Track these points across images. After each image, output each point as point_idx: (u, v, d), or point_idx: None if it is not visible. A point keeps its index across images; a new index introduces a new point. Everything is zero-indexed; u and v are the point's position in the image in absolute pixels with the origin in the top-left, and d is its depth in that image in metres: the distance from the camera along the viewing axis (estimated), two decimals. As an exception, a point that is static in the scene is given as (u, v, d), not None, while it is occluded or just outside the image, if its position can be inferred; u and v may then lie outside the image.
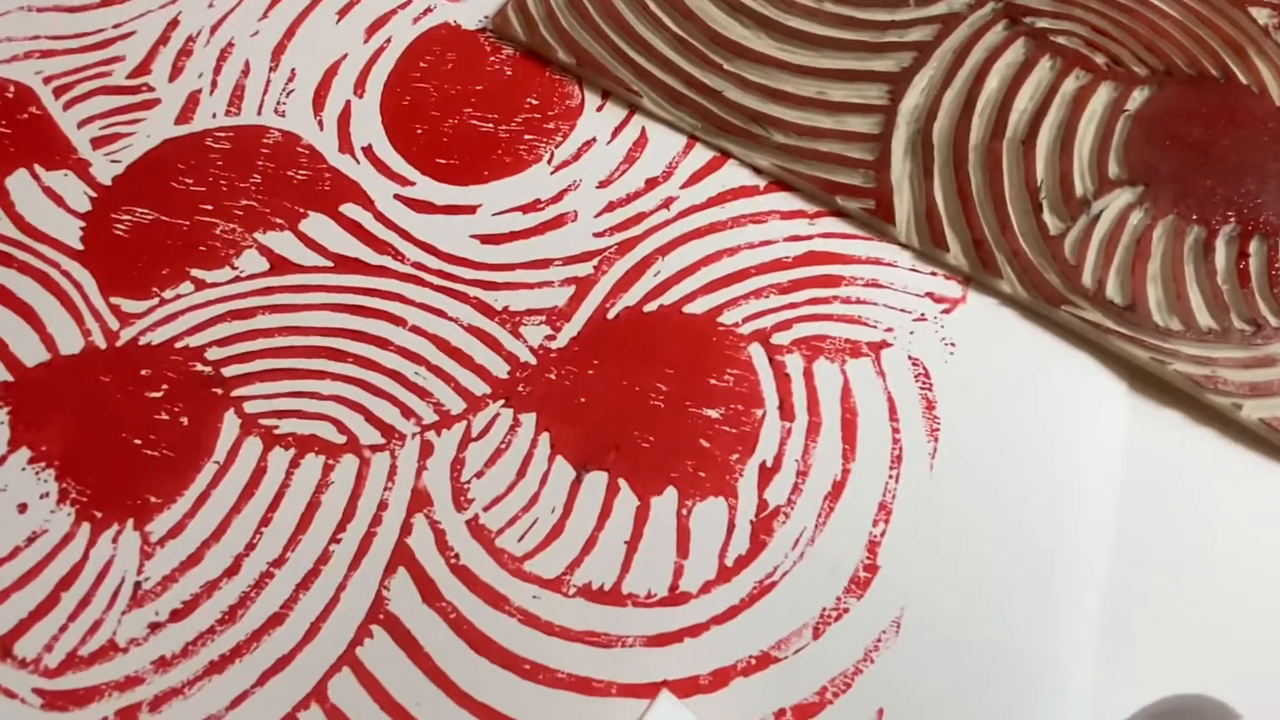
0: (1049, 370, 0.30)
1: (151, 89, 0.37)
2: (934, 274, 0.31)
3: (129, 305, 0.33)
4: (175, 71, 0.37)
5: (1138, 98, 0.33)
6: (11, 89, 0.37)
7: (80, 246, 0.34)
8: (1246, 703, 0.21)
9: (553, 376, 0.31)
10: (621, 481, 0.29)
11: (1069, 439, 0.29)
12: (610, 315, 0.32)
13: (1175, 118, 0.32)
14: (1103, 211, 0.31)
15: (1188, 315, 0.29)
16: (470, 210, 0.34)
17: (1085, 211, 0.31)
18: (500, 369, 0.31)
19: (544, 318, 0.32)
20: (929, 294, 0.31)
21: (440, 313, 0.32)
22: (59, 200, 0.35)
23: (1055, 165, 0.32)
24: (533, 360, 0.31)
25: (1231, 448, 0.28)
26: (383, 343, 0.32)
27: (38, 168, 0.35)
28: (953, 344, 0.30)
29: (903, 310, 0.31)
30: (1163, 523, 0.28)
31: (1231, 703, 0.21)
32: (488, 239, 0.33)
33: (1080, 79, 0.33)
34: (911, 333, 0.31)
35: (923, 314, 0.31)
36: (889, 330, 0.31)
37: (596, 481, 0.29)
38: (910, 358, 0.30)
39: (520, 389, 0.31)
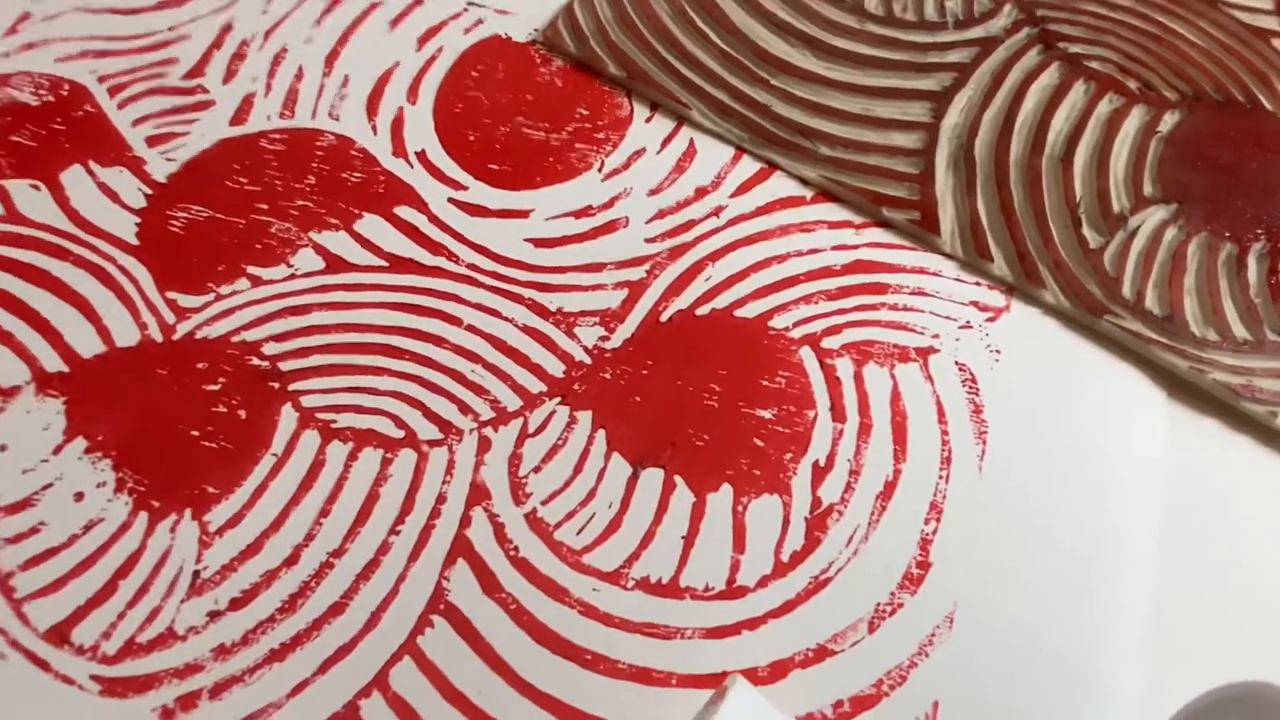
0: (1091, 378, 0.31)
1: (206, 90, 0.37)
2: (978, 284, 0.33)
3: (185, 300, 0.33)
4: (229, 75, 0.38)
5: (1169, 121, 0.34)
6: (66, 87, 0.38)
7: (136, 242, 0.34)
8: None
9: (607, 376, 0.31)
10: (677, 478, 0.30)
11: (1111, 444, 0.30)
12: (663, 318, 0.32)
13: (1205, 140, 0.34)
14: (1139, 227, 0.32)
15: (1223, 327, 0.30)
16: (523, 215, 0.35)
17: (1122, 227, 0.32)
18: (556, 368, 0.32)
19: (598, 319, 0.32)
20: (974, 303, 0.32)
21: (495, 313, 0.33)
22: (114, 196, 0.35)
23: (1092, 182, 0.33)
24: (587, 360, 0.32)
25: (1267, 454, 0.29)
26: (439, 341, 0.32)
27: (92, 164, 0.36)
28: (998, 351, 0.31)
29: (949, 318, 0.32)
30: (1202, 526, 0.29)
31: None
32: (541, 242, 0.34)
33: (1114, 102, 0.35)
34: (958, 339, 0.32)
35: (968, 321, 0.32)
36: (935, 337, 0.32)
37: (653, 478, 0.30)
38: (957, 363, 0.31)
39: (576, 387, 0.31)
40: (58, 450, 0.31)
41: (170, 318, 0.33)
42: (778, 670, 0.27)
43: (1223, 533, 0.28)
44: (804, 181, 0.35)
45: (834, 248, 0.33)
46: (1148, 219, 0.32)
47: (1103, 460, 0.30)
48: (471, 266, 0.34)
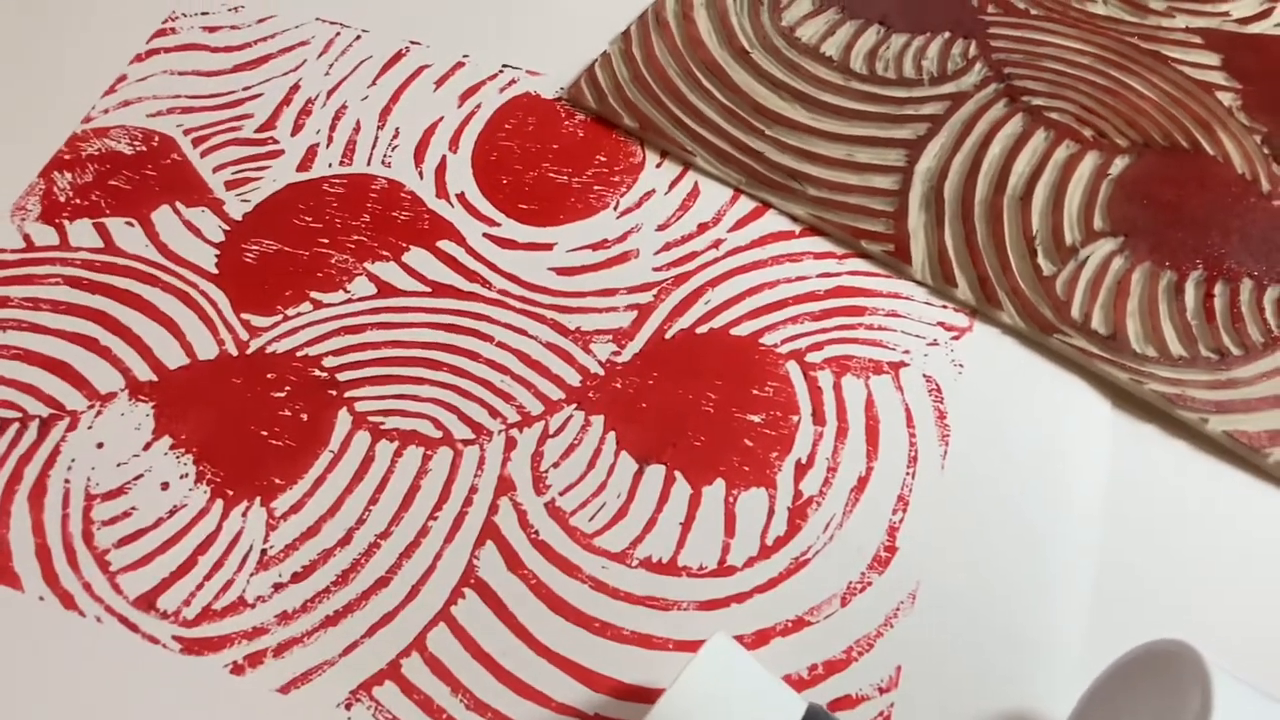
0: (1043, 388, 0.34)
1: (276, 142, 0.42)
2: (945, 306, 0.37)
3: (257, 320, 0.38)
4: (296, 128, 0.43)
5: (1119, 164, 0.38)
6: (157, 138, 0.43)
7: (215, 271, 0.39)
8: (1208, 649, 0.25)
9: (618, 385, 0.36)
10: (677, 473, 0.34)
11: (1060, 447, 0.33)
12: (668, 336, 0.37)
13: (1151, 181, 0.38)
14: (1089, 257, 0.36)
15: (1161, 344, 0.34)
16: (548, 247, 0.39)
17: (1074, 257, 0.36)
18: (573, 378, 0.36)
19: (611, 337, 0.37)
20: (940, 323, 0.36)
21: (522, 331, 0.37)
22: (197, 232, 0.40)
23: (1048, 218, 0.37)
24: (601, 372, 0.36)
25: (1199, 455, 0.33)
26: (473, 355, 0.37)
27: (178, 204, 0.41)
28: (961, 365, 0.35)
29: (918, 336, 0.36)
30: (1141, 517, 0.32)
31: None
32: (563, 271, 0.39)
33: (1070, 148, 0.39)
34: (926, 355, 0.36)
35: (935, 339, 0.36)
36: (906, 352, 0.36)
37: (656, 473, 0.34)
38: (925, 375, 0.35)
39: (590, 395, 0.36)
40: (147, 447, 0.35)
41: (244, 335, 0.38)
42: (761, 638, 0.31)
43: (1158, 521, 0.32)
44: (793, 218, 0.39)
45: (818, 275, 0.38)
46: (1096, 250, 0.36)
47: (1052, 460, 0.33)
48: (502, 292, 0.38)
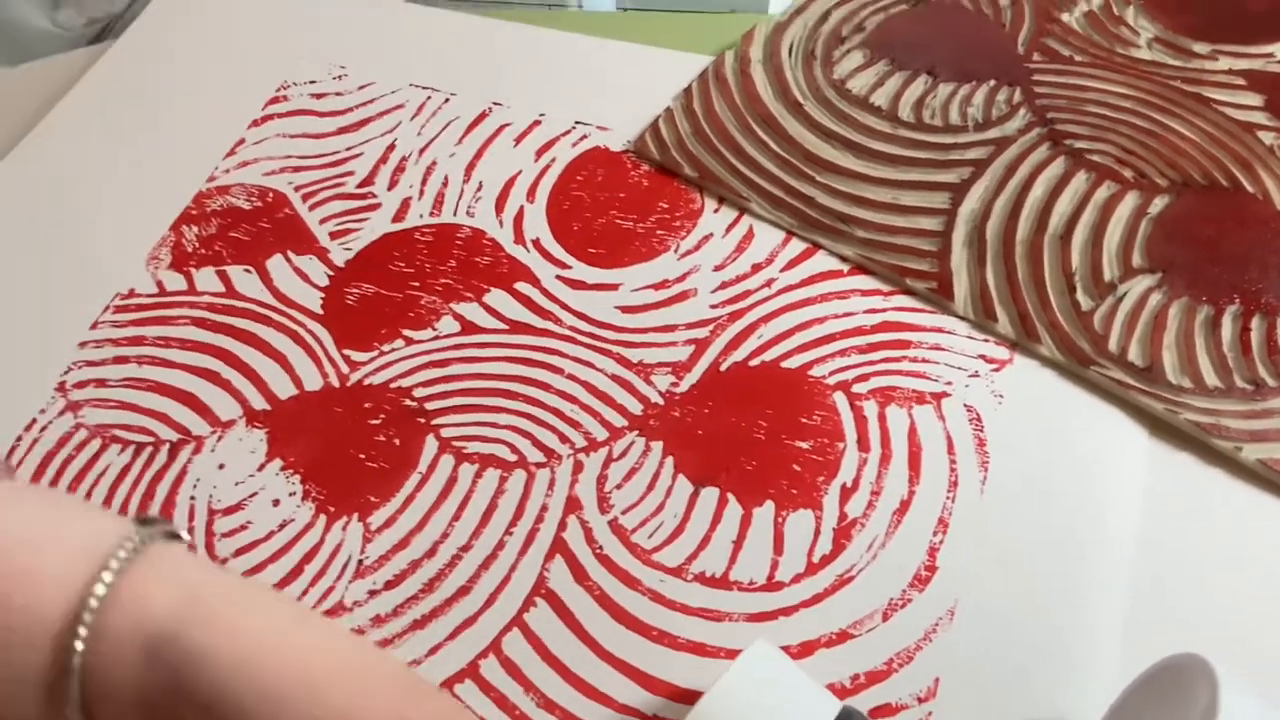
0: (1081, 419, 0.36)
1: (375, 196, 0.47)
2: (986, 340, 0.38)
3: (356, 355, 0.42)
4: (392, 183, 0.47)
5: (1159, 204, 0.40)
6: (271, 195, 0.48)
7: (321, 311, 0.43)
8: (1235, 666, 0.26)
9: (677, 414, 0.39)
10: (730, 495, 0.36)
11: (1097, 474, 0.35)
12: (723, 368, 0.40)
13: (1190, 219, 0.39)
14: (1127, 293, 0.38)
15: (1197, 376, 0.36)
16: (614, 288, 0.42)
17: (1112, 293, 0.38)
18: (635, 407, 0.39)
19: (670, 369, 0.40)
20: (981, 356, 0.38)
21: (589, 364, 0.41)
22: (305, 277, 0.44)
23: (1088, 256, 0.39)
24: (661, 401, 0.39)
25: (1234, 484, 0.34)
26: (545, 386, 0.40)
27: (290, 253, 0.45)
28: (1001, 395, 0.37)
29: (960, 368, 0.38)
30: (1176, 543, 0.33)
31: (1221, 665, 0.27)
32: (627, 309, 0.42)
33: (1110, 189, 0.41)
34: (967, 386, 0.38)
35: (976, 371, 0.38)
36: (948, 384, 0.38)
37: (710, 495, 0.36)
38: (966, 405, 0.37)
39: (651, 423, 0.39)
40: (261, 468, 0.39)
41: (345, 369, 0.42)
42: (806, 649, 0.33)
43: (1191, 544, 0.33)
44: (842, 258, 0.41)
45: (865, 311, 0.40)
46: (1135, 286, 0.38)
47: (1088, 486, 0.35)
48: (572, 328, 0.42)
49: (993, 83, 0.45)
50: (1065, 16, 0.48)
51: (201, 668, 0.19)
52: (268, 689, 0.19)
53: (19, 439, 0.40)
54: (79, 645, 0.19)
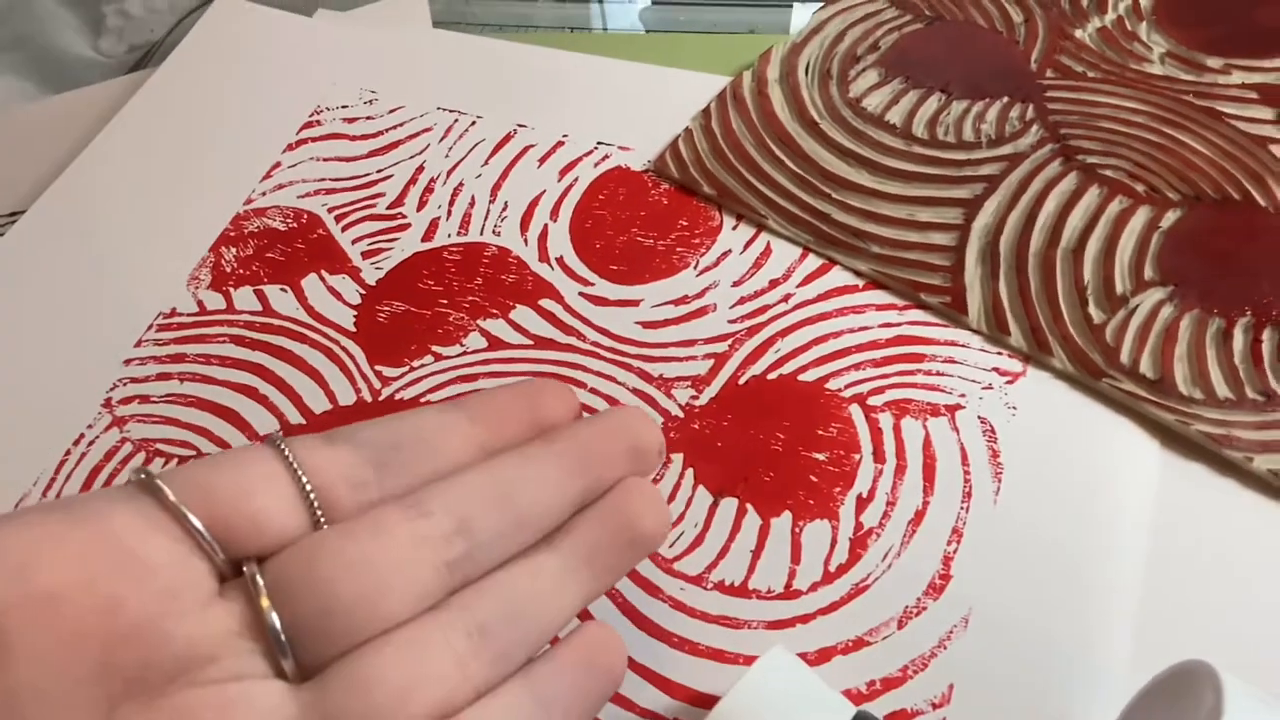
0: (1093, 429, 0.37)
1: (404, 216, 0.49)
2: (999, 353, 0.39)
3: (388, 371, 0.44)
4: (421, 204, 0.49)
5: (1170, 217, 0.41)
6: (305, 216, 0.50)
7: (353, 329, 0.45)
8: (1247, 673, 0.27)
9: (696, 427, 0.40)
10: (748, 506, 0.38)
11: (1109, 484, 0.36)
12: (741, 382, 0.41)
13: (1202, 233, 0.40)
14: (1138, 306, 0.38)
15: (1208, 387, 0.36)
16: (635, 304, 0.44)
17: (1124, 306, 0.39)
18: (656, 420, 0.41)
19: (690, 383, 0.41)
20: (995, 369, 0.39)
21: (612, 379, 0.42)
22: (339, 296, 0.46)
23: (1100, 269, 0.40)
24: (681, 414, 0.40)
25: (1246, 492, 0.34)
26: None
27: (323, 272, 0.47)
28: (1014, 407, 0.38)
29: (973, 381, 0.39)
30: (1187, 552, 0.34)
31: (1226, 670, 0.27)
32: (648, 324, 0.43)
33: (1123, 203, 0.41)
34: (980, 398, 0.39)
35: (990, 384, 0.39)
36: (962, 396, 0.39)
37: (729, 505, 0.38)
38: (979, 417, 0.38)
39: (671, 435, 0.40)
40: None
41: (377, 384, 0.44)
42: (823, 655, 0.34)
43: (1203, 552, 0.34)
44: (857, 273, 0.42)
45: (880, 325, 0.41)
46: (1146, 299, 0.39)
47: (1101, 496, 0.35)
48: (595, 344, 0.43)
49: (1006, 99, 0.46)
50: (1078, 33, 0.49)
51: None
52: None
53: (68, 453, 0.42)
54: None
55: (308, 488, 0.23)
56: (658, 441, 0.28)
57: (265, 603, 0.21)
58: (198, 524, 0.21)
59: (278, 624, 0.21)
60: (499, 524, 0.24)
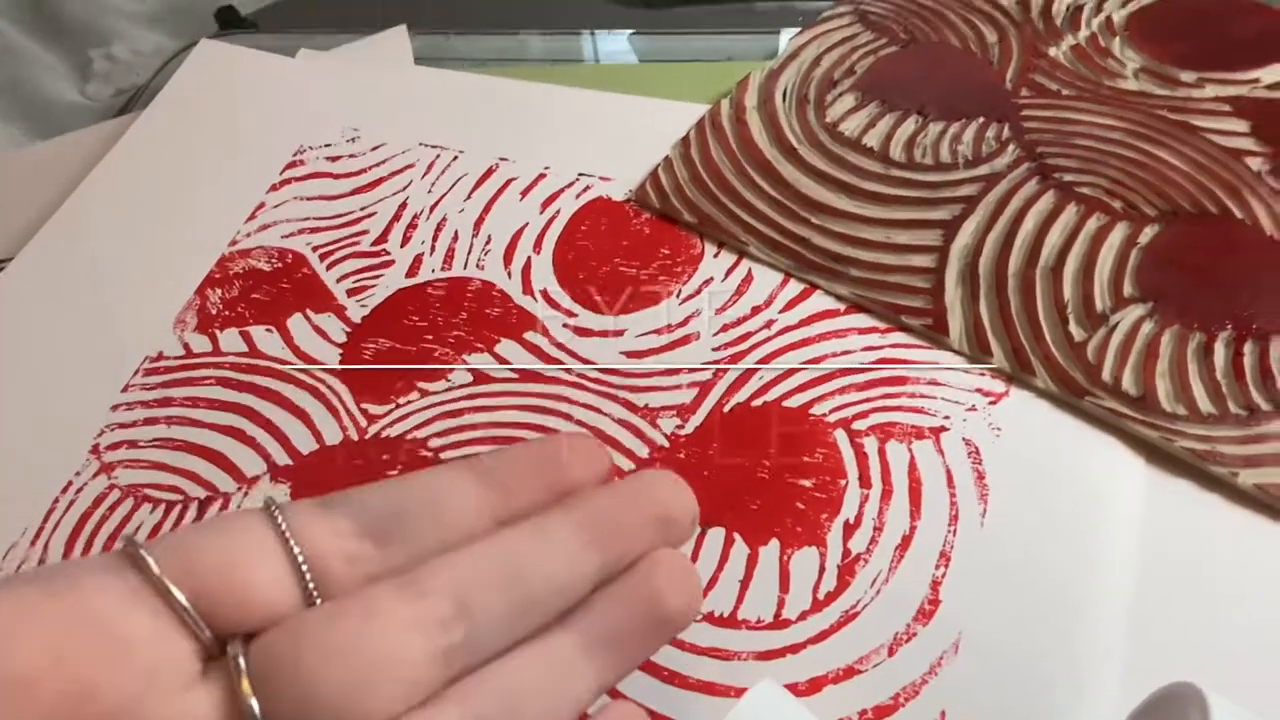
0: (1078, 449, 0.37)
1: (388, 253, 0.49)
2: (982, 374, 0.39)
3: (374, 409, 0.44)
4: (405, 240, 0.49)
5: (1148, 233, 0.41)
6: (290, 256, 0.50)
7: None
8: (1230, 691, 0.27)
9: (682, 456, 0.40)
10: (735, 535, 0.37)
11: (1095, 503, 0.35)
12: (726, 409, 0.41)
13: (1180, 248, 0.40)
14: (1119, 323, 0.39)
15: (1191, 403, 0.36)
16: (619, 334, 0.43)
17: (1104, 323, 0.39)
18: (642, 450, 0.40)
19: (675, 412, 0.41)
20: (978, 389, 0.39)
21: (597, 410, 0.42)
22: (324, 334, 0.46)
23: (1079, 287, 0.40)
24: (666, 444, 0.40)
25: (1232, 508, 0.34)
26: (553, 432, 0.42)
27: (308, 311, 0.47)
28: (999, 428, 0.38)
29: (957, 402, 0.39)
30: (1175, 569, 0.34)
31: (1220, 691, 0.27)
32: (632, 354, 0.43)
33: (1100, 220, 0.42)
34: (964, 420, 0.38)
35: (973, 405, 0.39)
36: (946, 418, 0.39)
37: (716, 535, 0.37)
38: (964, 439, 0.38)
39: (657, 465, 0.40)
40: None
41: (363, 422, 0.43)
42: (814, 685, 0.34)
43: (1191, 570, 0.33)
44: (838, 298, 0.42)
45: (863, 349, 0.41)
46: (1126, 316, 0.39)
47: (1087, 515, 0.35)
48: (580, 375, 0.43)
49: (981, 119, 0.46)
50: (1052, 51, 0.50)
51: None
52: None
53: (56, 501, 0.42)
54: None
55: (300, 560, 0.21)
56: (690, 509, 0.26)
57: (246, 689, 0.20)
58: (182, 599, 0.20)
59: (257, 712, 0.19)
60: (505, 605, 0.22)
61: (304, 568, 0.21)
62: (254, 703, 0.19)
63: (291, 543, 0.21)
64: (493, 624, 0.21)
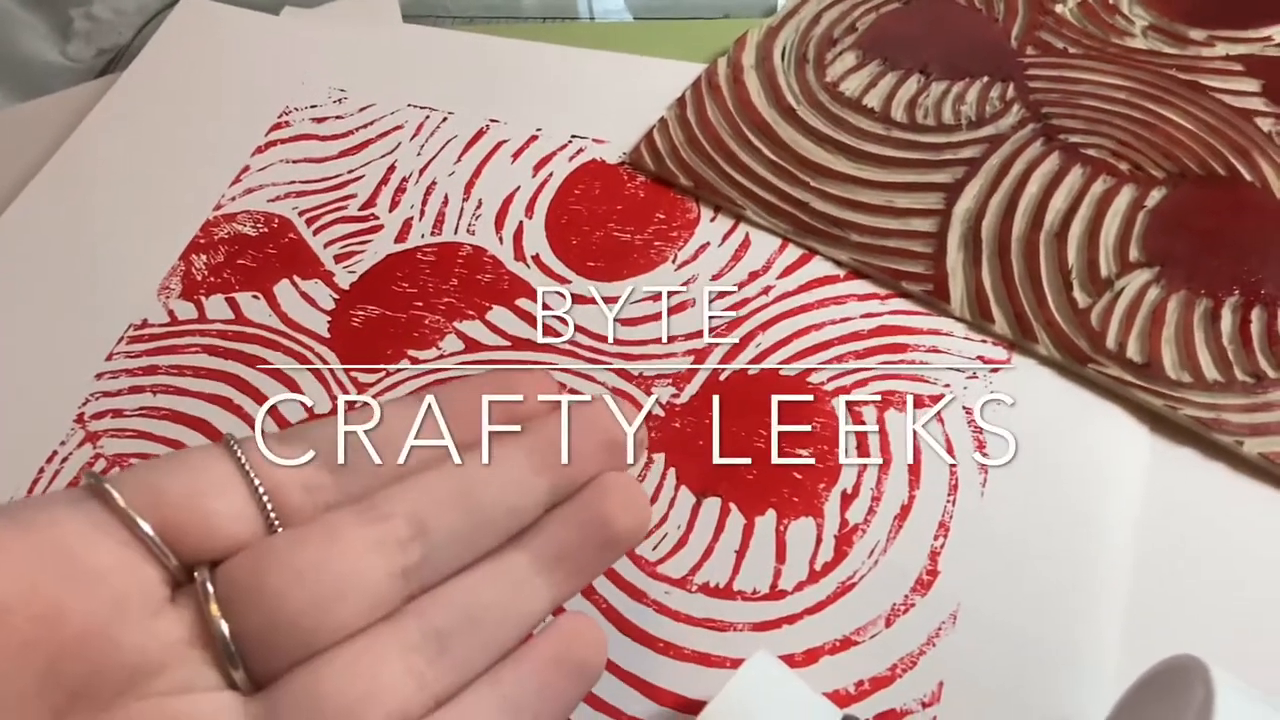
0: (1081, 417, 0.36)
1: (376, 218, 0.48)
2: (983, 341, 0.39)
3: (363, 377, 0.43)
4: (393, 204, 0.48)
5: (1155, 196, 0.40)
6: (276, 220, 0.49)
7: (327, 334, 0.44)
8: (1233, 664, 0.26)
9: (678, 425, 0.39)
10: (732, 505, 0.37)
11: (1098, 473, 0.35)
12: (722, 378, 0.40)
13: (1187, 211, 0.39)
14: (1124, 289, 0.38)
15: (1197, 370, 0.35)
16: (613, 300, 0.43)
17: (1109, 289, 0.38)
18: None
19: (670, 381, 0.40)
20: (979, 357, 0.38)
21: (591, 378, 0.41)
22: (312, 301, 0.45)
23: (1084, 252, 0.39)
24: (662, 413, 0.40)
25: (1236, 477, 0.34)
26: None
27: (295, 278, 0.46)
28: (1000, 397, 0.37)
29: (958, 370, 0.38)
30: (1178, 539, 0.33)
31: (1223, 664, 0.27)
32: (627, 321, 0.42)
33: (1106, 183, 0.41)
34: (965, 388, 0.38)
35: (974, 373, 0.38)
36: (947, 386, 0.38)
37: (712, 505, 0.37)
38: (965, 407, 0.37)
39: (652, 434, 0.39)
40: None
41: (352, 390, 0.43)
42: (810, 656, 0.33)
43: (1194, 540, 0.33)
44: (838, 263, 0.41)
45: (862, 316, 0.40)
46: (1132, 281, 0.38)
47: (1089, 485, 0.35)
48: (573, 342, 0.42)
49: (985, 79, 0.45)
50: (1059, 8, 0.48)
51: None
52: None
53: (41, 470, 0.42)
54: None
55: (260, 490, 0.22)
56: (634, 434, 0.27)
57: (214, 611, 0.20)
58: (147, 529, 0.21)
59: (226, 633, 0.20)
60: (459, 526, 0.23)
61: (264, 498, 0.22)
62: (223, 624, 0.20)
63: (251, 474, 0.22)
64: (448, 544, 0.23)
